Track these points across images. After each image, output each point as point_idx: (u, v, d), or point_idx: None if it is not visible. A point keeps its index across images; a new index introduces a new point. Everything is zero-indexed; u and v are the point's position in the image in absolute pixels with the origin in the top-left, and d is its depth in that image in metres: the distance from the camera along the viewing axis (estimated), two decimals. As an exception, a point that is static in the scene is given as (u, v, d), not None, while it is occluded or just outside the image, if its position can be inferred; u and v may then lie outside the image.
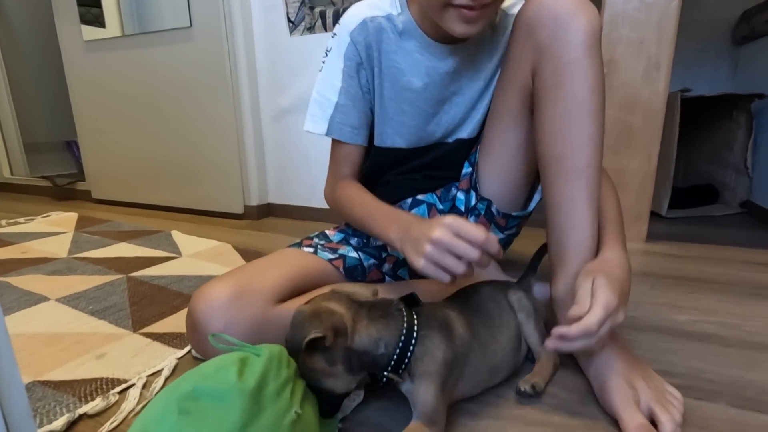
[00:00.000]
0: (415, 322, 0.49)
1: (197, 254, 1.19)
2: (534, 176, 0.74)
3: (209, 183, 1.66)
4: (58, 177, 2.19)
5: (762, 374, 0.60)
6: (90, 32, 1.75)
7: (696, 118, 1.67)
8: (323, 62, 0.74)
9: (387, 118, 0.75)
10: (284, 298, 0.63)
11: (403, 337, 0.47)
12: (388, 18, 0.69)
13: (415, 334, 0.48)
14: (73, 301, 0.88)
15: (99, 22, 1.71)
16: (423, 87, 0.72)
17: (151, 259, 1.14)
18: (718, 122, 1.65)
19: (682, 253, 1.16)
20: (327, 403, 0.47)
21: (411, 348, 0.47)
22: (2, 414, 0.30)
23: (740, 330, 0.73)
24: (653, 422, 0.48)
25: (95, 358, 0.67)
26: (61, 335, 0.74)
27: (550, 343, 0.49)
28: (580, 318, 0.47)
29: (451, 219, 0.51)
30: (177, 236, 1.37)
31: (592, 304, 0.48)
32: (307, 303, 0.48)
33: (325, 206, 0.81)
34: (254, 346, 0.43)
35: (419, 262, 0.53)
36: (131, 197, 1.89)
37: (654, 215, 1.51)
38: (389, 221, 0.62)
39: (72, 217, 1.67)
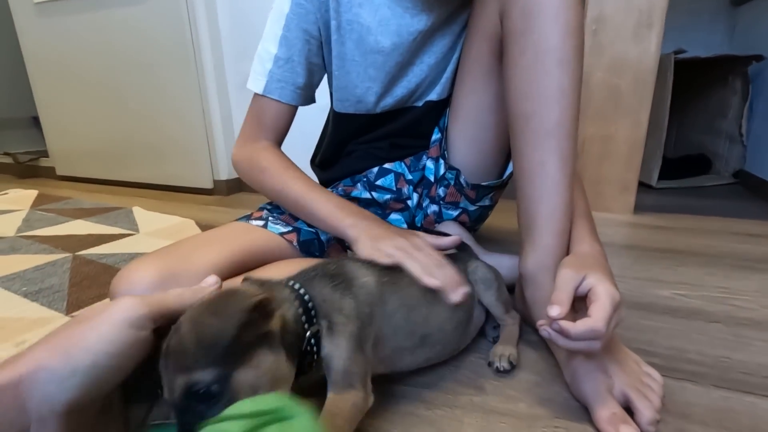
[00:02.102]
0: (298, 284, 0.42)
1: (156, 231, 1.11)
2: (508, 141, 0.66)
3: (176, 157, 1.56)
4: (22, 154, 2.07)
5: (749, 353, 0.55)
6: (40, -7, 1.61)
7: (689, 85, 1.59)
8: (272, 9, 0.65)
9: (349, 84, 0.67)
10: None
11: (297, 301, 0.40)
12: None
13: (302, 291, 0.41)
14: (6, 282, 0.80)
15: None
16: (392, 47, 0.63)
17: (104, 236, 1.06)
18: (712, 88, 1.57)
19: (670, 224, 1.10)
20: None
21: (310, 309, 0.40)
22: None
23: (727, 305, 0.67)
24: (630, 409, 0.43)
25: (14, 347, 0.60)
26: (-18, 320, 0.67)
27: (544, 331, 0.43)
28: (561, 307, 0.41)
29: (420, 237, 0.53)
30: (138, 213, 1.28)
31: (593, 300, 0.42)
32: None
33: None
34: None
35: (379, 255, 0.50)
36: (97, 173, 1.79)
37: (643, 186, 1.44)
38: (344, 210, 0.59)
39: (31, 194, 1.58)
